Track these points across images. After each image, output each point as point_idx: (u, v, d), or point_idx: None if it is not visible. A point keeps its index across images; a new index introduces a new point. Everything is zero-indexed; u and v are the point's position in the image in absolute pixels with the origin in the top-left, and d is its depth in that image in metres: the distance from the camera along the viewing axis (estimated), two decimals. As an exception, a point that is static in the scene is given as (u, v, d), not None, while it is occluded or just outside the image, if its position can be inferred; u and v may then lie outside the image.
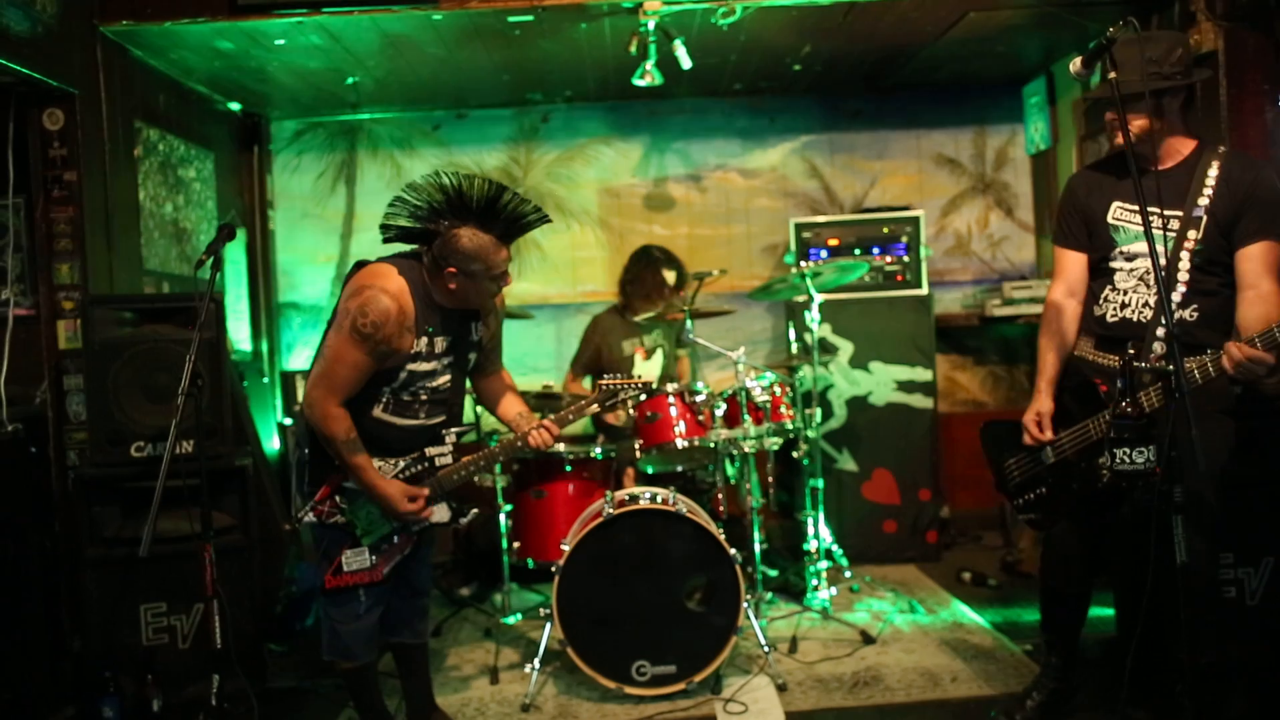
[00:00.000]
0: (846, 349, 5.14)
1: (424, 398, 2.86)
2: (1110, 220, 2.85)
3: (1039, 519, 3.02)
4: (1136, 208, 2.76)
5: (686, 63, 4.35)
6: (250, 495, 3.54)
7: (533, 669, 3.56)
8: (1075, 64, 2.56)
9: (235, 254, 5.38)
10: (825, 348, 5.05)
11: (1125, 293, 2.82)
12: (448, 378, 2.89)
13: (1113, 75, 2.42)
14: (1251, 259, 2.67)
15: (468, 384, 3.07)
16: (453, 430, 2.97)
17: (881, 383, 5.14)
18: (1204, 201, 2.71)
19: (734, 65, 5.12)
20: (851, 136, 5.82)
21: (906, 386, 5.13)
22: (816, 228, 5.23)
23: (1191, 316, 2.73)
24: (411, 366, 2.79)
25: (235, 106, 5.38)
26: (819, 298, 4.33)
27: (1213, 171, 2.72)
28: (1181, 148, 2.78)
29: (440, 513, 2.95)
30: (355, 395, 2.78)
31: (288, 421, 5.47)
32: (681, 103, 5.75)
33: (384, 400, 2.82)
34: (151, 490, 2.59)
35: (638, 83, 4.44)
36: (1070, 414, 2.89)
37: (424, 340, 2.78)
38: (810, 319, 4.34)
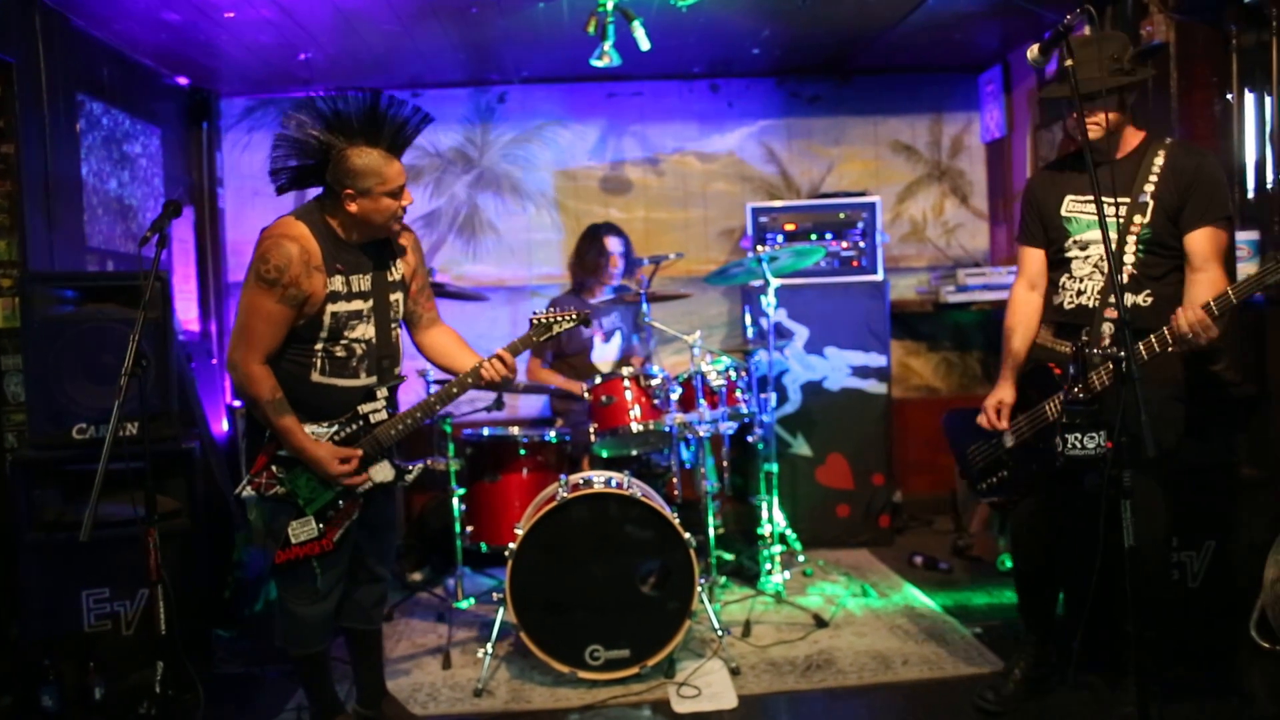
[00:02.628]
0: (802, 334, 5.16)
1: (359, 351, 2.82)
2: (1063, 214, 2.96)
3: (1002, 501, 3.14)
4: (1088, 198, 2.88)
5: (645, 44, 4.31)
6: (197, 478, 3.47)
7: (485, 654, 3.54)
8: (1033, 51, 2.60)
9: (184, 232, 5.26)
10: (780, 332, 5.07)
11: (1081, 280, 2.92)
12: (373, 327, 2.84)
13: (1070, 63, 2.45)
14: (1197, 243, 2.77)
15: (404, 338, 3.00)
16: (384, 385, 2.91)
17: (836, 368, 5.17)
18: (1149, 188, 2.81)
19: (693, 48, 5.09)
20: (809, 122, 5.83)
21: (861, 372, 5.17)
22: (773, 212, 5.24)
23: (1145, 302, 2.83)
24: (333, 308, 2.75)
25: (184, 81, 5.25)
26: (775, 282, 4.33)
27: (1159, 160, 2.82)
28: (1132, 140, 2.90)
29: (382, 472, 2.90)
30: (292, 359, 2.76)
31: (237, 404, 5.37)
32: (639, 85, 5.71)
33: (319, 361, 2.78)
34: (93, 473, 2.51)
35: (595, 64, 4.39)
36: (1029, 398, 3.00)
37: (338, 279, 2.76)
38: (766, 304, 4.35)
